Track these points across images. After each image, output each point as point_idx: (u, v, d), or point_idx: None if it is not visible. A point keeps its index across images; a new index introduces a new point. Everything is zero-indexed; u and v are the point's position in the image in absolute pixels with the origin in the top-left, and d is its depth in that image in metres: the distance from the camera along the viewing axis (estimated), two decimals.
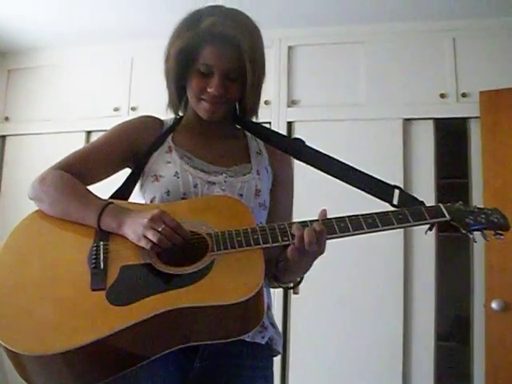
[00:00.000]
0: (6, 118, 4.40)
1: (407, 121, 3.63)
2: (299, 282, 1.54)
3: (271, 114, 3.79)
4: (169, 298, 1.23)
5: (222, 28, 1.49)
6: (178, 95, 1.63)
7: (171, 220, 1.33)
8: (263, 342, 1.54)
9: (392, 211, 1.44)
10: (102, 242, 1.38)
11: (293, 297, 3.55)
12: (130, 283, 1.29)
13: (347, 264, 3.38)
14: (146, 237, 1.32)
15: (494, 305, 3.14)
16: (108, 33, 4.08)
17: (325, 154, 1.65)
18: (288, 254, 1.37)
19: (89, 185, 1.56)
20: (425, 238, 3.39)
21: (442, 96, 3.56)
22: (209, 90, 1.52)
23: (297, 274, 1.50)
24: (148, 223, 1.32)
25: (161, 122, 1.68)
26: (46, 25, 4.02)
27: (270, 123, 3.73)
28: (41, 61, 4.39)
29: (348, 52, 3.82)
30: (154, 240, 1.30)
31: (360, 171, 1.63)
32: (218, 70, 1.51)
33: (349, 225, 1.39)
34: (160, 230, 1.31)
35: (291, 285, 1.57)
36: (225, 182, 1.55)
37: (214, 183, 1.54)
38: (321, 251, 1.37)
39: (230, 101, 1.59)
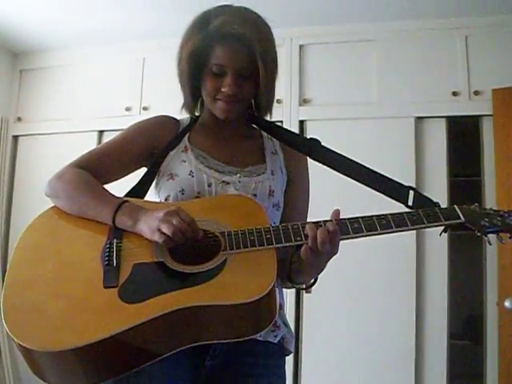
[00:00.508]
0: (19, 119, 4.43)
1: (419, 119, 3.61)
2: (313, 283, 1.53)
3: (283, 112, 3.79)
4: (181, 297, 1.24)
5: (231, 27, 1.49)
6: (192, 97, 1.63)
7: (186, 216, 1.34)
8: (275, 341, 1.54)
9: (406, 212, 1.43)
10: (115, 240, 1.39)
11: (305, 296, 3.55)
12: (142, 281, 1.30)
13: (360, 263, 3.37)
14: (160, 230, 1.32)
15: (507, 303, 3.12)
16: (119, 33, 4.10)
17: (340, 155, 1.65)
18: (301, 254, 1.37)
19: (105, 183, 1.57)
20: (437, 237, 3.34)
21: (455, 94, 3.54)
22: (223, 89, 1.52)
23: (310, 274, 1.49)
24: (164, 217, 1.33)
25: (177, 121, 1.69)
26: (58, 25, 4.03)
27: (281, 122, 3.73)
28: (53, 61, 4.41)
29: (359, 50, 3.81)
30: (169, 233, 1.31)
31: (375, 171, 1.62)
32: (230, 69, 1.51)
33: (362, 225, 1.38)
34: (175, 223, 1.31)
35: (304, 286, 1.56)
36: (239, 182, 1.55)
37: (229, 183, 1.54)
38: (334, 252, 1.37)
39: (245, 99, 1.59)
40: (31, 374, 1.26)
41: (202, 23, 1.54)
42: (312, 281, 1.53)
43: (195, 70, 1.55)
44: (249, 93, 1.57)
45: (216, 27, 1.50)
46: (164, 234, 1.32)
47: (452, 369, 3.39)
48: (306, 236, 1.36)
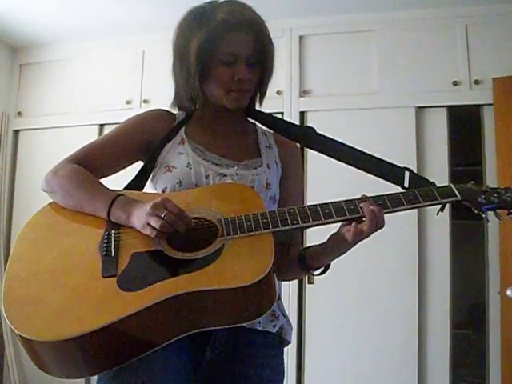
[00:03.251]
0: (19, 113, 4.43)
1: (420, 109, 3.61)
2: (327, 269, 1.53)
3: (283, 104, 3.78)
4: (179, 283, 1.25)
5: (240, 15, 1.52)
6: (195, 91, 1.60)
7: (174, 206, 1.34)
8: (274, 331, 1.55)
9: (402, 192, 1.44)
10: (113, 231, 1.40)
11: (308, 287, 3.56)
12: (140, 269, 1.31)
13: (361, 253, 3.34)
14: (149, 224, 1.33)
15: (509, 292, 3.12)
16: (119, 26, 4.09)
17: (335, 140, 1.67)
18: (347, 233, 1.37)
19: (101, 177, 1.58)
20: (439, 226, 3.39)
21: (455, 83, 3.53)
22: (236, 77, 1.53)
23: (335, 256, 1.48)
24: (150, 210, 1.33)
25: (173, 115, 1.69)
26: (58, 19, 4.03)
27: (282, 113, 3.73)
28: (52, 55, 4.41)
29: (359, 40, 3.80)
30: (157, 226, 1.32)
31: (370, 155, 1.64)
32: (240, 56, 1.53)
33: (358, 207, 1.39)
34: (162, 216, 1.32)
35: (316, 272, 1.55)
36: (236, 174, 1.56)
37: (226, 175, 1.55)
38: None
39: (252, 88, 1.61)
40: (35, 369, 1.27)
41: (202, 17, 1.54)
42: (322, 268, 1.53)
43: (204, 64, 1.54)
44: (255, 81, 1.60)
45: (223, 17, 1.50)
46: (153, 227, 1.33)
47: (455, 358, 3.40)
48: (363, 210, 1.37)
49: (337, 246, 1.44)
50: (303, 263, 1.52)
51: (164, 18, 3.64)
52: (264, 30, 1.57)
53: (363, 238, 1.39)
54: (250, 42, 1.54)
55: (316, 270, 1.53)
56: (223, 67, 1.53)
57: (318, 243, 1.52)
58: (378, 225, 1.37)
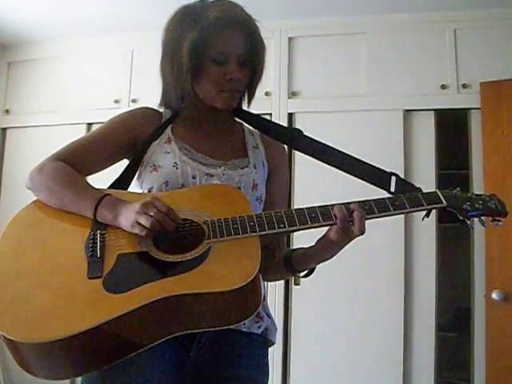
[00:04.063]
0: (7, 111, 4.41)
1: (408, 112, 3.62)
2: (312, 271, 1.55)
3: (272, 105, 3.78)
4: (165, 286, 1.24)
5: (232, 14, 1.52)
6: (192, 89, 1.58)
7: (163, 205, 1.34)
8: (259, 332, 1.55)
9: (389, 198, 1.45)
10: (98, 231, 1.39)
11: (294, 289, 3.56)
12: (126, 271, 1.30)
13: (347, 255, 3.36)
14: (138, 223, 1.32)
15: (494, 295, 3.15)
16: (108, 25, 4.08)
17: (322, 143, 1.67)
18: (331, 236, 1.39)
19: (87, 175, 1.57)
20: (425, 230, 3.40)
21: (443, 87, 3.55)
22: (228, 77, 1.52)
23: (322, 259, 1.49)
24: (140, 208, 1.32)
25: (159, 113, 1.68)
26: (46, 17, 4.01)
27: (270, 115, 3.73)
28: (41, 53, 4.38)
29: (349, 43, 3.81)
30: (147, 225, 1.31)
31: (357, 159, 1.64)
32: (232, 55, 1.52)
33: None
34: (152, 214, 1.31)
35: (301, 274, 1.56)
36: (223, 174, 1.56)
37: (213, 175, 1.55)
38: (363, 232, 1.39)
39: (243, 87, 1.61)
40: (21, 371, 1.25)
41: (194, 16, 1.53)
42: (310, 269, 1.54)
43: (197, 63, 1.53)
44: (246, 81, 1.60)
45: (216, 16, 1.50)
46: (143, 226, 1.32)
47: (440, 360, 3.41)
48: (335, 217, 1.38)
49: (324, 249, 1.45)
50: (289, 265, 1.53)
51: (153, 17, 3.62)
52: (256, 30, 1.57)
53: (348, 242, 1.41)
54: (242, 42, 1.54)
55: (302, 271, 1.54)
56: (215, 66, 1.52)
57: (305, 246, 1.52)
58: (360, 230, 1.37)
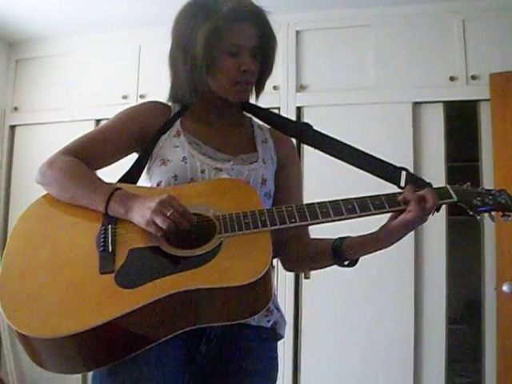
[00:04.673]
0: (15, 108, 4.42)
1: (417, 104, 3.60)
2: (357, 261, 1.52)
3: (280, 99, 3.77)
4: (178, 280, 1.24)
5: (246, 6, 1.53)
6: (206, 82, 1.58)
7: (179, 205, 1.34)
8: (268, 326, 1.55)
9: (399, 192, 1.45)
10: (110, 226, 1.39)
11: (304, 282, 3.56)
12: (138, 266, 1.30)
13: None
14: (154, 222, 1.32)
15: (505, 288, 3.14)
16: (115, 21, 4.08)
17: (332, 138, 1.66)
18: (408, 218, 1.38)
19: (96, 169, 1.57)
20: (435, 222, 3.38)
21: (452, 79, 3.53)
22: (242, 68, 1.53)
23: (378, 247, 1.47)
24: (157, 207, 1.32)
25: (168, 107, 1.68)
26: (54, 14, 4.01)
27: (278, 109, 3.73)
28: (48, 50, 4.39)
29: (356, 36, 3.79)
30: (164, 226, 1.31)
31: (367, 154, 1.63)
32: (246, 47, 1.53)
33: (356, 207, 1.41)
34: (168, 215, 1.31)
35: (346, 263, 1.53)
36: (232, 169, 1.55)
37: (222, 170, 1.54)
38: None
39: (255, 79, 1.61)
40: (33, 364, 1.26)
41: (207, 8, 1.53)
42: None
43: (211, 55, 1.53)
44: (257, 74, 1.60)
45: (229, 8, 1.50)
46: (159, 227, 1.32)
47: (450, 353, 3.40)
48: (399, 203, 1.40)
49: (391, 234, 1.43)
50: (338, 254, 1.49)
51: (160, 12, 3.63)
52: (268, 23, 1.58)
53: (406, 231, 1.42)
54: (255, 34, 1.54)
55: (347, 261, 1.51)
56: (229, 58, 1.53)
57: (358, 234, 1.49)
58: (434, 202, 1.39)
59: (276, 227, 1.37)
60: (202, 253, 1.30)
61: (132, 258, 1.31)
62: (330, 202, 1.42)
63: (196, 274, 1.26)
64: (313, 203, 1.42)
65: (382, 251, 1.46)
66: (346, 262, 1.51)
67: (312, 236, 1.66)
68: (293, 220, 1.39)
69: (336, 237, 1.51)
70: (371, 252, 1.48)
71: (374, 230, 1.46)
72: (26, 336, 1.18)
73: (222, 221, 1.37)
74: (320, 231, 1.56)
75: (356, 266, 1.51)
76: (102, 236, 1.36)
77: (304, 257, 1.60)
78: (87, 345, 1.20)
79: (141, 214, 1.35)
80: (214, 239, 1.34)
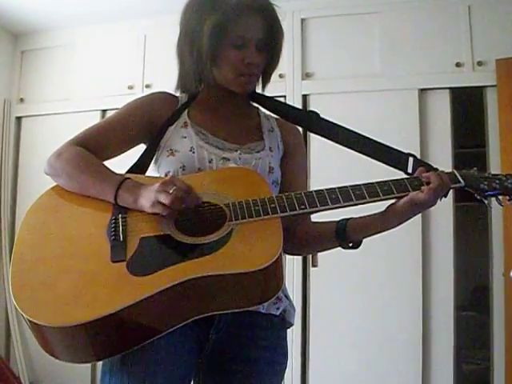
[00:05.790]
0: (21, 100, 4.42)
1: (423, 91, 3.59)
2: (360, 243, 1.54)
3: (286, 87, 3.77)
4: (189, 267, 1.25)
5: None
6: (212, 73, 1.58)
7: (182, 183, 1.34)
8: (277, 314, 1.56)
9: (406, 178, 1.46)
10: (120, 215, 1.40)
11: (312, 271, 3.57)
12: (150, 254, 1.31)
13: None
14: (159, 201, 1.33)
15: None
16: (121, 11, 4.07)
17: (339, 125, 1.67)
18: (421, 197, 1.40)
19: (105, 160, 1.57)
20: (443, 209, 3.38)
21: (458, 65, 3.51)
22: (246, 61, 1.53)
23: (382, 229, 1.51)
24: (159, 187, 1.33)
25: (176, 97, 1.68)
26: (58, 5, 4.01)
27: (284, 97, 3.72)
28: (54, 41, 4.39)
29: (362, 23, 3.78)
30: (167, 202, 1.31)
31: (374, 141, 1.64)
32: (251, 40, 1.53)
33: (365, 193, 1.42)
34: (171, 191, 1.31)
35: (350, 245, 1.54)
36: (239, 158, 1.56)
37: (229, 159, 1.55)
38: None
39: (260, 72, 1.62)
40: (41, 351, 1.27)
41: (215, 0, 1.53)
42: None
43: (217, 46, 1.53)
44: (262, 66, 1.61)
45: (237, 0, 1.51)
46: (163, 204, 1.33)
47: (459, 340, 3.41)
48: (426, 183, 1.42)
49: (391, 217, 1.46)
50: (342, 234, 1.50)
51: (166, 2, 3.62)
52: (276, 16, 1.57)
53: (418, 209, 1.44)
54: (262, 27, 1.54)
55: (351, 242, 1.53)
56: (234, 50, 1.53)
57: (356, 216, 1.51)
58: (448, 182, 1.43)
59: (286, 214, 1.38)
60: (213, 240, 1.31)
61: (144, 246, 1.32)
62: (338, 188, 1.43)
63: (208, 261, 1.26)
64: (322, 189, 1.42)
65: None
66: (350, 244, 1.52)
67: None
68: (302, 206, 1.40)
69: (340, 218, 1.52)
70: (375, 233, 1.52)
71: (378, 211, 1.48)
72: (38, 324, 1.18)
73: (232, 208, 1.38)
74: (326, 218, 1.56)
75: (360, 247, 1.54)
76: (113, 225, 1.37)
77: (308, 239, 1.61)
78: (99, 333, 1.21)
79: (147, 197, 1.36)
80: (224, 227, 1.34)
